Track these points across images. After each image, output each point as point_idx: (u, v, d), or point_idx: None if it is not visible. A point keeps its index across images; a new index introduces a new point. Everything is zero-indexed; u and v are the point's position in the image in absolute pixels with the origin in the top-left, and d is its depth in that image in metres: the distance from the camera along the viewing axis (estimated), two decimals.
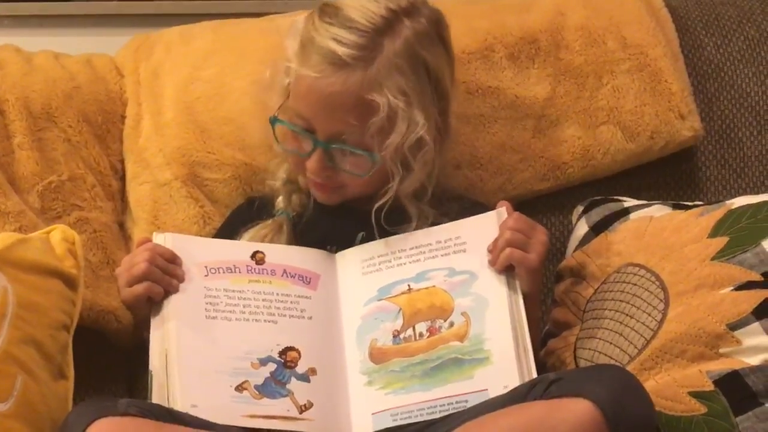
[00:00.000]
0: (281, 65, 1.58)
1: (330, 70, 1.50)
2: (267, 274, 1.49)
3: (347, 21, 1.51)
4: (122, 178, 1.72)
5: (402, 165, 1.53)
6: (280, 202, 1.62)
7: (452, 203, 1.58)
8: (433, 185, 1.56)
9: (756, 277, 1.45)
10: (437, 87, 1.55)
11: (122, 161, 1.72)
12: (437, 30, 1.56)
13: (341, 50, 1.50)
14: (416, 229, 1.53)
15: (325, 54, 1.50)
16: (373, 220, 1.52)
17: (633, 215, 1.61)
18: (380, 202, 1.53)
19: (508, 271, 1.46)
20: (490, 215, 1.51)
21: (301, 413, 1.41)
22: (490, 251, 1.47)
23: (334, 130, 1.52)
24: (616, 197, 1.67)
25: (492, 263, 1.46)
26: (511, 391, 1.37)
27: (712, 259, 1.48)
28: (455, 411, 1.39)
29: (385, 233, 1.53)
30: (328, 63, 1.50)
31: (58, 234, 1.50)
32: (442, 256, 1.49)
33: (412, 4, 1.55)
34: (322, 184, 1.57)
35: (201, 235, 1.65)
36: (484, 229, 1.49)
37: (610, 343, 1.51)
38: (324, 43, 1.51)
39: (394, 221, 1.54)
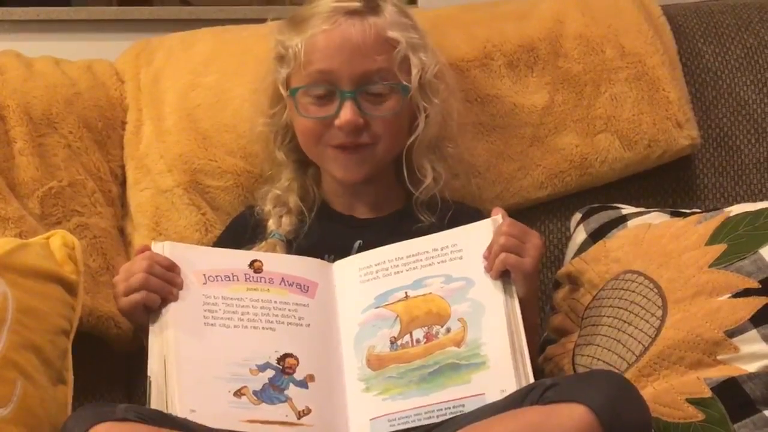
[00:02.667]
0: (273, 67, 1.60)
1: (344, 18, 1.56)
2: (265, 282, 1.49)
3: None
4: (122, 184, 1.72)
5: (424, 106, 1.59)
6: (271, 224, 1.62)
7: (450, 210, 1.59)
8: (447, 136, 1.62)
9: (754, 284, 1.46)
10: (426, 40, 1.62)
11: (122, 167, 1.73)
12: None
13: (348, 3, 1.56)
14: (430, 189, 1.59)
15: (332, 9, 1.57)
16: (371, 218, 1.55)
17: (631, 223, 1.62)
18: (412, 138, 1.58)
19: (503, 276, 1.46)
20: (486, 222, 1.51)
21: (299, 419, 1.41)
22: (485, 258, 1.48)
23: (361, 72, 1.55)
24: (614, 205, 1.68)
25: (487, 269, 1.47)
26: (507, 396, 1.37)
27: (710, 266, 1.49)
28: (453, 416, 1.40)
29: (383, 237, 1.54)
30: (339, 14, 1.56)
31: (58, 239, 1.50)
32: (438, 263, 1.49)
33: None
34: (352, 149, 1.57)
35: (203, 242, 1.66)
36: (479, 236, 1.49)
37: (609, 350, 1.51)
38: (327, 6, 1.57)
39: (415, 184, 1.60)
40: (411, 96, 1.57)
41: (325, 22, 1.56)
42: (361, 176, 1.59)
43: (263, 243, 1.60)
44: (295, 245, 1.60)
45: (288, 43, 1.58)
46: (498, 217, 1.50)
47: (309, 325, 1.47)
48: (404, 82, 1.56)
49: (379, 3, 1.59)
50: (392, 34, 1.56)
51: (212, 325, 1.45)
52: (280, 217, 1.62)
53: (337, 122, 1.56)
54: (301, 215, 1.62)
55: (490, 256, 1.47)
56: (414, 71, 1.57)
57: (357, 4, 1.56)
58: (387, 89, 1.56)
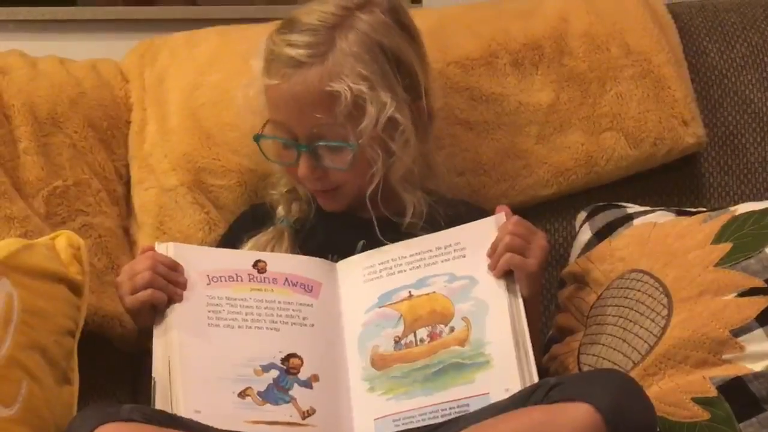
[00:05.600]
0: (255, 86, 1.60)
1: (290, 73, 1.53)
2: (269, 282, 1.49)
3: (300, 26, 1.56)
4: (127, 184, 1.73)
5: (383, 150, 1.55)
6: (280, 210, 1.62)
7: (455, 209, 1.58)
8: (419, 167, 1.58)
9: (759, 283, 1.45)
10: (400, 67, 1.57)
11: (127, 166, 1.73)
12: (394, 16, 1.59)
13: (295, 52, 1.53)
14: (413, 217, 1.56)
15: (284, 60, 1.54)
16: (370, 209, 1.54)
17: (636, 221, 1.61)
18: (370, 190, 1.55)
19: (507, 275, 1.46)
20: (489, 220, 1.51)
21: (303, 419, 1.41)
22: (489, 256, 1.48)
23: (309, 130, 1.54)
24: (619, 203, 1.67)
25: (491, 268, 1.47)
26: (512, 395, 1.37)
27: (716, 265, 1.48)
28: (457, 415, 1.40)
29: (386, 237, 1.54)
30: (287, 67, 1.53)
31: (64, 240, 1.50)
32: (442, 262, 1.49)
33: (367, 0, 1.58)
34: (321, 191, 1.58)
35: (206, 242, 1.66)
36: (483, 234, 1.49)
37: (614, 349, 1.51)
38: (280, 51, 1.55)
39: (393, 213, 1.56)
40: (367, 142, 1.53)
41: (277, 75, 1.54)
42: (342, 208, 1.59)
43: (271, 229, 1.60)
44: (299, 241, 1.60)
45: (258, 81, 1.58)
46: (501, 215, 1.50)
47: (313, 325, 1.47)
48: (350, 141, 1.52)
49: (331, 41, 1.53)
50: (335, 86, 1.51)
51: (216, 325, 1.45)
52: (290, 203, 1.62)
53: (298, 171, 1.56)
54: (308, 205, 1.62)
55: (494, 255, 1.47)
56: (363, 124, 1.52)
57: (302, 52, 1.52)
58: (334, 144, 1.54)
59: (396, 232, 1.55)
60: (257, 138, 1.59)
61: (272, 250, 1.58)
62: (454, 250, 1.49)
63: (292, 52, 1.53)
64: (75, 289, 1.48)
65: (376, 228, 1.54)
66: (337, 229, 1.59)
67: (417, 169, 1.58)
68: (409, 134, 1.55)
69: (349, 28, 1.55)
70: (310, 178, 1.56)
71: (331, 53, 1.53)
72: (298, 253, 1.57)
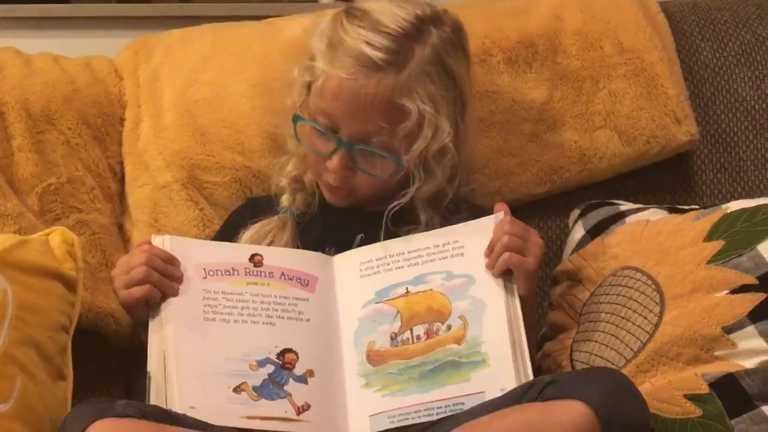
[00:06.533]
0: (303, 63, 1.58)
1: (362, 72, 1.51)
2: (265, 276, 1.49)
3: (377, 24, 1.52)
4: (121, 180, 1.72)
5: (424, 170, 1.54)
6: (284, 200, 1.62)
7: (452, 207, 1.58)
8: (453, 191, 1.57)
9: (751, 280, 1.46)
10: (461, 95, 1.57)
11: (121, 163, 1.73)
12: (460, 38, 1.58)
13: (373, 53, 1.50)
14: (422, 232, 1.54)
15: (356, 56, 1.51)
16: (384, 221, 1.53)
17: (629, 219, 1.62)
18: (395, 203, 1.53)
19: (505, 274, 1.47)
20: (488, 220, 1.51)
21: (298, 415, 1.41)
22: (487, 256, 1.48)
23: (361, 131, 1.52)
24: (612, 201, 1.68)
25: (489, 267, 1.47)
26: (506, 393, 1.38)
27: (708, 262, 1.49)
28: (452, 413, 1.40)
29: (389, 235, 1.54)
30: (360, 65, 1.51)
31: (58, 236, 1.50)
32: (440, 259, 1.49)
33: (437, 13, 1.56)
34: (336, 187, 1.57)
35: (200, 238, 1.65)
36: (481, 233, 1.49)
37: (606, 346, 1.52)
38: (355, 45, 1.51)
39: (401, 222, 1.55)
40: (412, 160, 1.52)
41: (345, 69, 1.51)
42: (345, 205, 1.59)
43: (275, 218, 1.59)
44: (299, 232, 1.59)
45: (316, 63, 1.55)
46: (500, 214, 1.50)
47: (309, 319, 1.48)
48: (400, 156, 1.52)
49: (410, 53, 1.51)
50: (406, 101, 1.50)
51: (212, 320, 1.45)
52: (295, 193, 1.62)
53: (328, 163, 1.55)
54: (313, 196, 1.61)
55: (492, 254, 1.47)
56: (417, 145, 1.51)
57: (381, 56, 1.50)
58: (382, 153, 1.53)
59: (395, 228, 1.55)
60: (296, 119, 1.57)
61: (274, 240, 1.57)
62: (453, 248, 1.49)
63: (371, 52, 1.50)
64: (69, 285, 1.48)
65: (383, 226, 1.52)
66: (336, 221, 1.59)
67: (449, 190, 1.57)
68: (453, 161, 1.55)
69: (426, 43, 1.53)
70: (339, 173, 1.54)
71: (408, 66, 1.51)
72: (299, 244, 1.57)
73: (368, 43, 1.51)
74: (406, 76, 1.51)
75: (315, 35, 1.57)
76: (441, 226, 1.55)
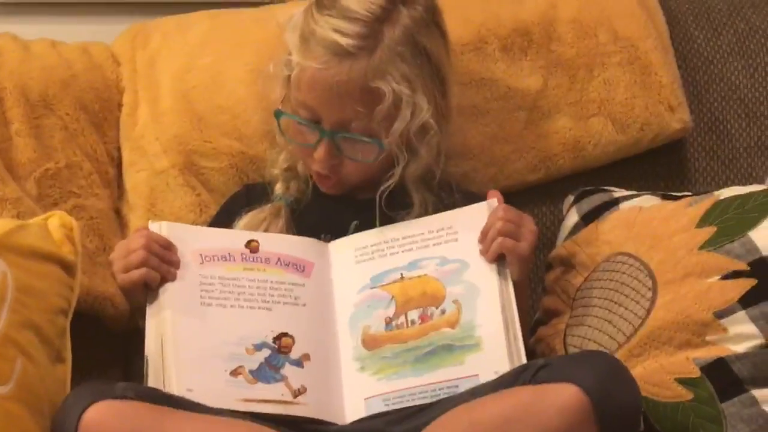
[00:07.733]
0: (281, 58, 1.59)
1: (334, 60, 1.51)
2: (261, 262, 1.50)
3: (346, 11, 1.53)
4: (118, 166, 1.72)
5: (408, 150, 1.54)
6: (278, 188, 1.63)
7: (446, 193, 1.59)
8: (441, 169, 1.57)
9: (742, 266, 1.47)
10: (438, 72, 1.57)
11: (119, 149, 1.73)
12: (433, 17, 1.58)
13: (343, 40, 1.51)
14: (417, 215, 1.55)
15: (327, 45, 1.52)
16: (377, 205, 1.53)
17: (623, 205, 1.62)
18: (384, 186, 1.54)
19: (498, 259, 1.47)
20: (481, 205, 1.52)
21: (295, 398, 1.42)
22: (480, 241, 1.49)
23: (340, 119, 1.53)
24: (606, 188, 1.68)
25: (483, 252, 1.48)
26: (500, 376, 1.39)
27: (700, 248, 1.50)
28: (446, 396, 1.41)
29: (384, 220, 1.54)
30: (331, 54, 1.51)
31: (56, 220, 1.50)
32: (434, 245, 1.50)
33: None
34: (326, 175, 1.57)
35: (197, 224, 1.66)
36: (475, 218, 1.50)
37: (599, 331, 1.52)
38: (325, 35, 1.52)
39: (395, 206, 1.55)
40: (395, 142, 1.52)
41: (317, 59, 1.51)
42: (338, 193, 1.59)
43: (269, 206, 1.60)
44: (294, 219, 1.60)
45: (291, 57, 1.56)
46: (494, 200, 1.51)
47: (305, 304, 1.48)
48: (381, 139, 1.52)
49: (379, 35, 1.51)
50: (379, 84, 1.50)
51: (209, 305, 1.46)
52: (289, 181, 1.62)
53: (314, 154, 1.56)
54: (306, 184, 1.62)
55: (486, 239, 1.48)
56: (396, 125, 1.51)
57: (351, 42, 1.51)
58: (363, 138, 1.53)
59: (389, 215, 1.55)
60: (279, 114, 1.58)
61: (268, 228, 1.57)
62: (446, 234, 1.50)
63: (340, 39, 1.50)
64: (68, 268, 1.48)
65: (378, 211, 1.53)
66: (331, 208, 1.60)
67: (436, 169, 1.57)
68: (436, 138, 1.55)
69: (395, 24, 1.53)
70: (325, 162, 1.55)
71: (379, 48, 1.51)
72: (293, 232, 1.58)
73: (338, 31, 1.51)
74: (378, 58, 1.51)
75: (288, 29, 1.58)
76: (435, 208, 1.55)
